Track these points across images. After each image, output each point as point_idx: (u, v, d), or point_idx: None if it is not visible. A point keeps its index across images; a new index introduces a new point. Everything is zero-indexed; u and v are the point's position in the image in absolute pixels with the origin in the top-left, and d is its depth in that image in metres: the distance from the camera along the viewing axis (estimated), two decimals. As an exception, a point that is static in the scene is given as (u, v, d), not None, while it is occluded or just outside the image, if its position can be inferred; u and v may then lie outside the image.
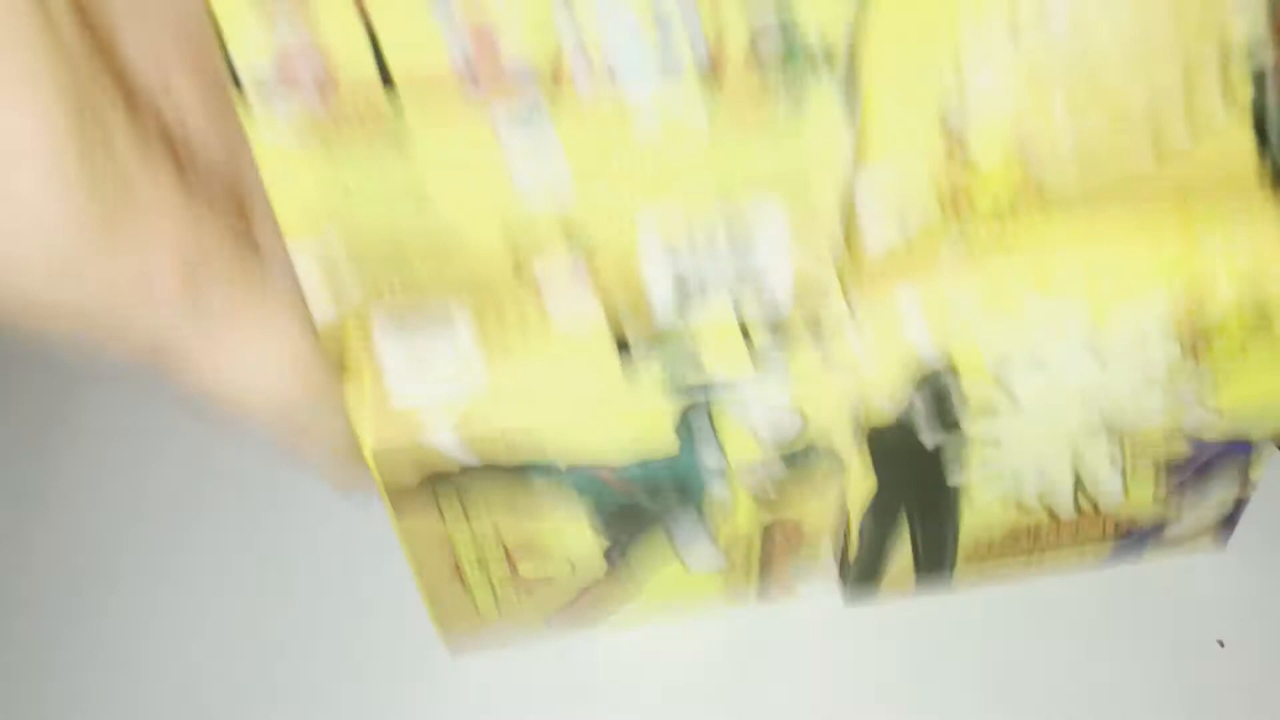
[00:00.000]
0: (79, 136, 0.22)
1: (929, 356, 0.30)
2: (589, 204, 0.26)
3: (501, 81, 0.24)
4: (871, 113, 0.26)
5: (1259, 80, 0.26)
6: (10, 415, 0.47)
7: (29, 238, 0.22)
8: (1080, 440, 0.33)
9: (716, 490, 0.32)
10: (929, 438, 0.32)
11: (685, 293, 0.29)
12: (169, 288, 0.25)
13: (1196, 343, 0.31)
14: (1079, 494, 0.35)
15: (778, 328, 0.30)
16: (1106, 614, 0.38)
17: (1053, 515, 0.36)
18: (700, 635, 0.38)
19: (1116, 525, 0.37)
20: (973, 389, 0.31)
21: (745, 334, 0.30)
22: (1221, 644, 0.38)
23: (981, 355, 0.30)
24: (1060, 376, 0.31)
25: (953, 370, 0.30)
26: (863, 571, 0.37)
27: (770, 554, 0.36)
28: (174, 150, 0.27)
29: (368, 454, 0.29)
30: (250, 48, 0.23)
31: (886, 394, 0.31)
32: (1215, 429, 0.34)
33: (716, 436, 0.31)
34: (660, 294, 0.28)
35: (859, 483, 0.34)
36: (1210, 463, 0.35)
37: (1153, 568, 0.39)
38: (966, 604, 0.39)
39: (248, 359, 0.28)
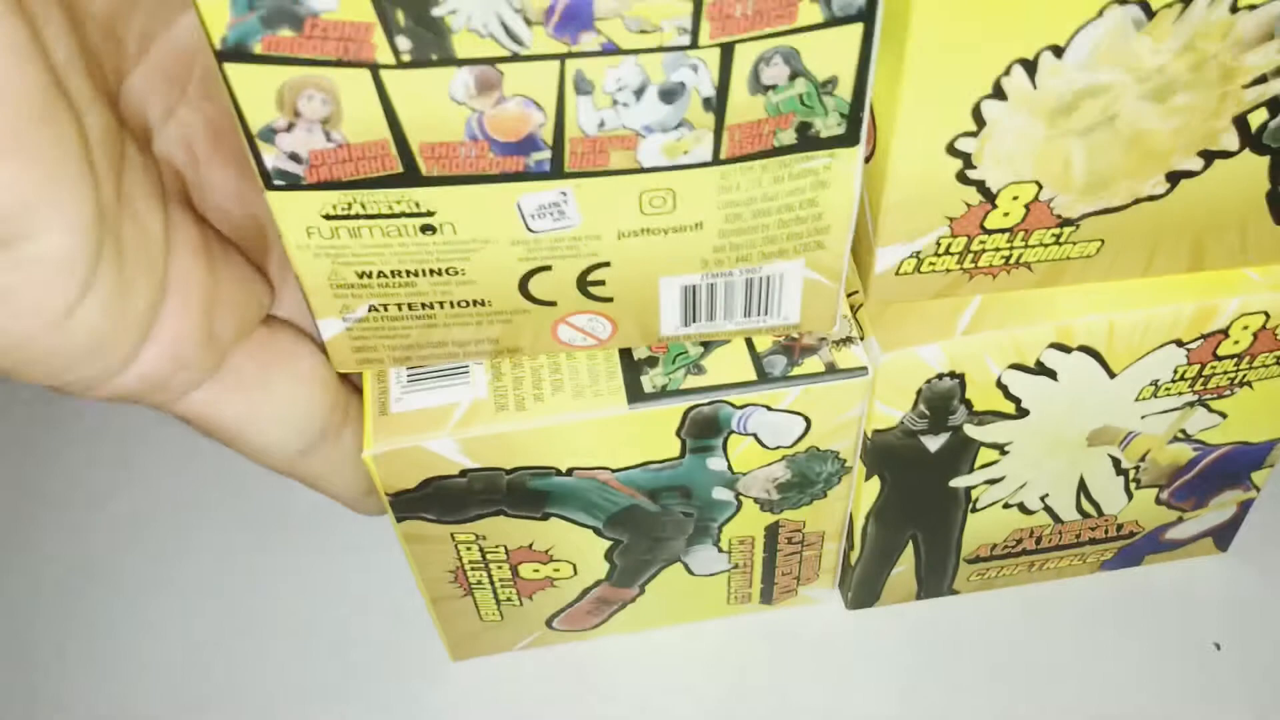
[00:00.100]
0: (92, 196, 0.22)
1: (934, 362, 0.30)
2: (598, 232, 0.26)
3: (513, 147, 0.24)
4: (885, 133, 0.26)
5: (1273, 106, 0.26)
6: (8, 414, 0.47)
7: (40, 302, 0.22)
8: (1085, 445, 0.33)
9: (719, 494, 0.32)
10: (933, 442, 0.32)
11: (694, 309, 0.29)
12: (187, 341, 0.25)
13: (1204, 358, 0.31)
14: (1082, 498, 0.35)
15: (781, 332, 0.30)
16: (1105, 616, 0.38)
17: (1055, 519, 0.36)
18: (702, 637, 0.38)
19: (1119, 530, 0.37)
20: (978, 395, 0.31)
21: (748, 339, 0.30)
22: (1218, 646, 0.37)
23: (987, 362, 0.30)
24: (1067, 383, 0.31)
25: (958, 376, 0.30)
26: (865, 576, 0.37)
27: (774, 557, 0.36)
28: (184, 189, 0.27)
29: (368, 458, 0.29)
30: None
31: (891, 399, 0.30)
32: (1220, 435, 0.34)
33: (719, 441, 0.30)
34: (669, 308, 0.28)
35: (862, 487, 0.34)
36: (1214, 468, 0.35)
37: (1150, 571, 0.39)
38: (966, 605, 0.39)
39: (264, 407, 0.28)
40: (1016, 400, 0.31)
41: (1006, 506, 0.35)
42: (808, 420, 0.30)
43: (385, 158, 0.23)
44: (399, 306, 0.27)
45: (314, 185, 0.24)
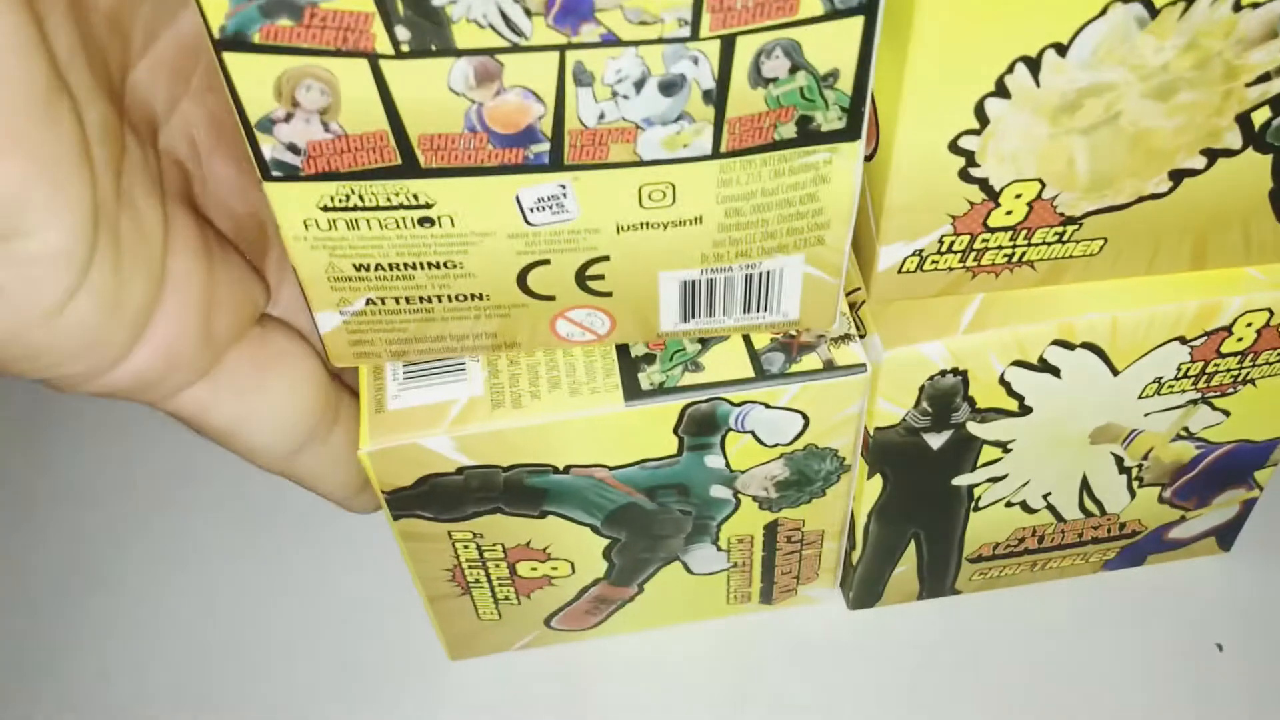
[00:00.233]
0: (90, 193, 0.22)
1: (937, 359, 0.30)
2: (597, 226, 0.26)
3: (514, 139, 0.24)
4: (887, 130, 0.26)
5: (1276, 104, 0.26)
6: (7, 414, 0.46)
7: (33, 297, 0.22)
8: (1087, 443, 0.33)
9: (718, 492, 0.32)
10: (935, 440, 0.32)
11: (694, 305, 0.28)
12: (183, 341, 0.25)
13: (1208, 355, 0.31)
14: (1084, 496, 0.35)
15: (781, 329, 0.30)
16: (1107, 616, 0.38)
17: (1058, 518, 0.36)
18: (702, 638, 0.38)
19: (1121, 529, 0.37)
20: (980, 392, 0.31)
21: (746, 336, 0.30)
22: (1220, 647, 0.37)
23: (990, 359, 0.30)
24: (1069, 381, 0.31)
25: (961, 373, 0.30)
26: (867, 575, 0.37)
27: (773, 556, 0.35)
28: (187, 186, 0.27)
29: (363, 455, 0.29)
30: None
31: (894, 396, 0.30)
32: (1223, 433, 0.34)
33: (717, 438, 0.30)
34: (668, 303, 0.28)
35: (864, 485, 0.33)
36: (1217, 467, 0.35)
37: (1152, 571, 0.39)
38: (967, 605, 0.39)
39: (257, 407, 0.28)
40: (1019, 397, 0.31)
41: (1009, 505, 0.35)
42: (806, 418, 0.30)
43: (384, 149, 0.23)
44: (396, 300, 0.27)
45: (312, 176, 0.24)
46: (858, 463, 0.33)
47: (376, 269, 0.26)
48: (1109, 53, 0.24)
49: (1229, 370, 0.32)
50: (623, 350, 0.30)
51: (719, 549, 0.34)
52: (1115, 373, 0.31)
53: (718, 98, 0.23)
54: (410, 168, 0.24)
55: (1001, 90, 0.25)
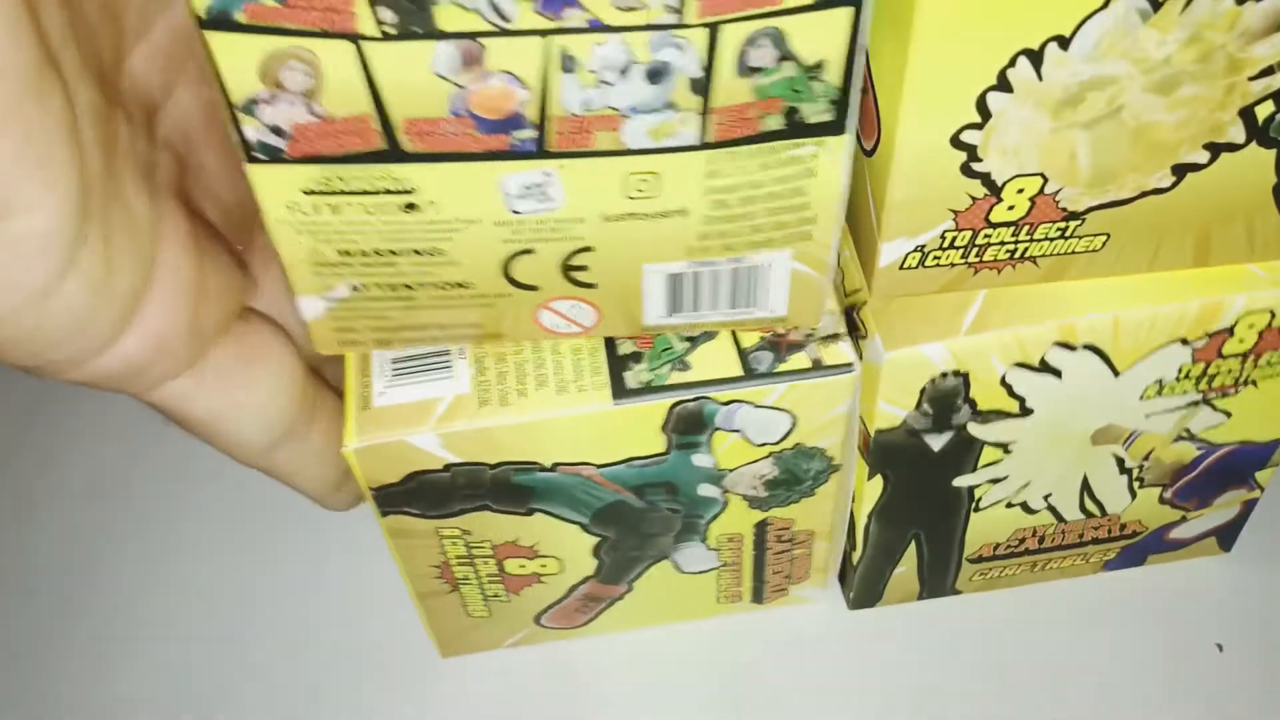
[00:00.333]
0: (78, 175, 0.22)
1: (939, 361, 0.29)
2: (582, 215, 0.26)
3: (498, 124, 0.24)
4: (889, 125, 0.26)
5: (1279, 98, 0.25)
6: (7, 414, 0.46)
7: (20, 279, 0.22)
8: (1088, 444, 0.33)
9: (706, 490, 0.32)
10: (936, 441, 0.32)
11: (679, 299, 0.28)
12: (171, 331, 0.25)
13: (1209, 357, 0.31)
14: (1085, 497, 0.35)
15: (768, 325, 0.29)
16: (1107, 616, 0.38)
17: (1058, 518, 0.36)
18: (695, 637, 0.38)
19: (1122, 529, 0.37)
20: (982, 393, 0.30)
21: (734, 335, 0.30)
22: (1220, 648, 0.37)
23: (992, 360, 0.30)
24: (1071, 382, 0.31)
25: (962, 375, 0.30)
26: (867, 575, 0.37)
27: (763, 555, 0.35)
28: (181, 178, 0.27)
29: (349, 452, 0.28)
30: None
31: (895, 398, 0.30)
32: (1224, 434, 0.34)
33: (704, 437, 0.30)
34: (653, 296, 0.28)
35: (865, 487, 0.33)
36: (1218, 467, 0.35)
37: (1152, 571, 0.39)
38: (967, 605, 0.38)
39: (239, 400, 0.28)
40: (1021, 399, 0.31)
41: (1009, 506, 0.35)
42: (794, 417, 0.30)
43: (368, 132, 0.23)
44: (380, 287, 0.27)
45: (296, 159, 0.24)
46: (854, 462, 0.32)
47: (360, 255, 0.26)
48: (1111, 45, 0.24)
49: (1230, 371, 0.31)
50: (610, 348, 0.30)
51: (708, 548, 0.34)
52: (1116, 374, 0.31)
53: (704, 87, 0.23)
54: (394, 152, 0.24)
55: (1003, 84, 0.24)
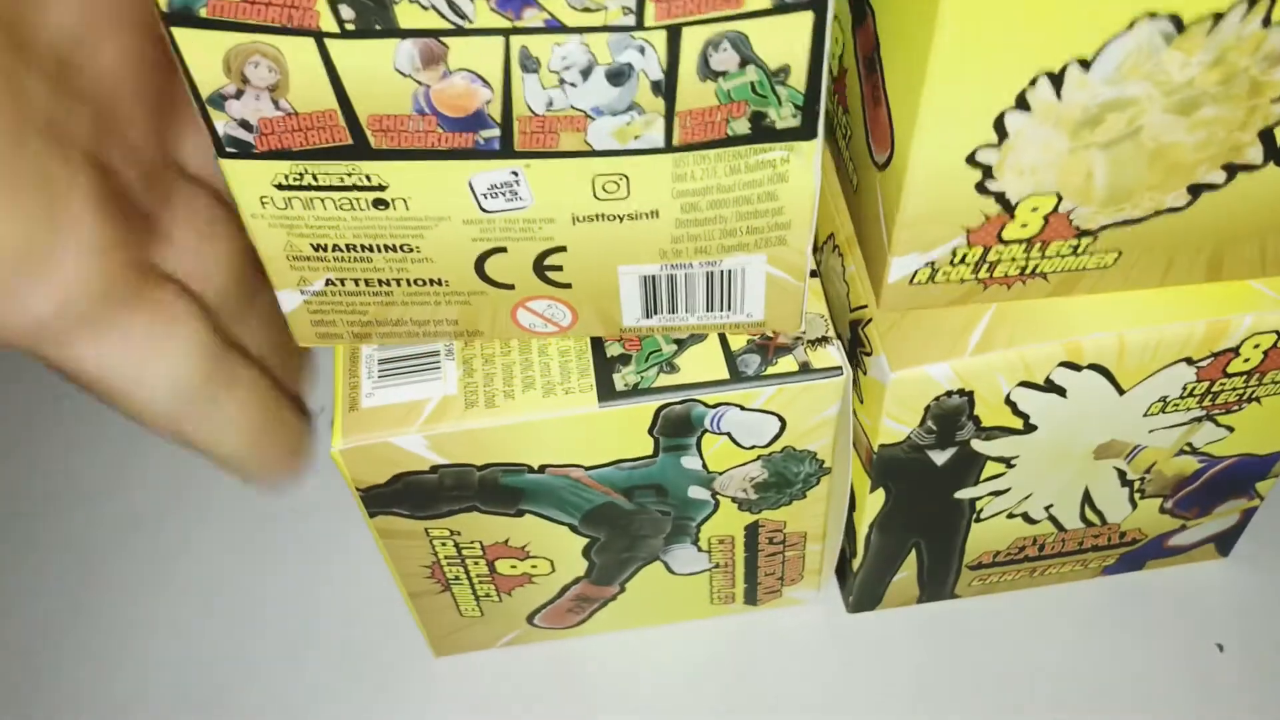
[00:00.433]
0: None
1: (944, 380, 0.29)
2: (552, 215, 0.26)
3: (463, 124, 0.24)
4: (903, 142, 0.25)
5: None
6: (7, 414, 0.46)
7: None
8: (1091, 458, 0.33)
9: (696, 493, 0.32)
10: (940, 456, 0.32)
11: (655, 301, 0.28)
12: (79, 288, 0.25)
13: (1214, 375, 0.31)
14: (1086, 508, 0.35)
15: (747, 330, 0.29)
16: (1106, 617, 0.38)
17: (1059, 528, 0.36)
18: (690, 637, 0.38)
19: (1121, 537, 0.37)
20: (986, 411, 0.30)
21: (723, 338, 0.30)
22: (1221, 648, 0.37)
23: (997, 380, 0.29)
24: (1075, 400, 0.30)
25: (967, 394, 0.30)
26: (867, 581, 0.37)
27: (755, 557, 0.35)
28: (98, 126, 0.26)
29: (335, 452, 0.28)
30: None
31: (899, 416, 0.30)
32: (1226, 447, 0.33)
33: (693, 440, 0.30)
34: (629, 298, 0.28)
35: (866, 498, 0.33)
36: (1219, 479, 0.35)
37: (1152, 573, 0.39)
38: (967, 607, 0.39)
39: (147, 363, 0.27)
40: (1025, 416, 0.31)
41: (1010, 516, 0.35)
42: (782, 420, 0.30)
43: (334, 128, 0.23)
44: (355, 282, 0.27)
45: (265, 154, 0.24)
46: (848, 465, 0.32)
47: (334, 249, 0.26)
48: (1134, 68, 0.24)
49: (1234, 389, 0.31)
50: (598, 351, 0.30)
51: (700, 549, 0.34)
52: (1121, 392, 0.30)
53: (667, 89, 0.23)
54: (362, 148, 0.24)
55: (1022, 104, 0.24)
